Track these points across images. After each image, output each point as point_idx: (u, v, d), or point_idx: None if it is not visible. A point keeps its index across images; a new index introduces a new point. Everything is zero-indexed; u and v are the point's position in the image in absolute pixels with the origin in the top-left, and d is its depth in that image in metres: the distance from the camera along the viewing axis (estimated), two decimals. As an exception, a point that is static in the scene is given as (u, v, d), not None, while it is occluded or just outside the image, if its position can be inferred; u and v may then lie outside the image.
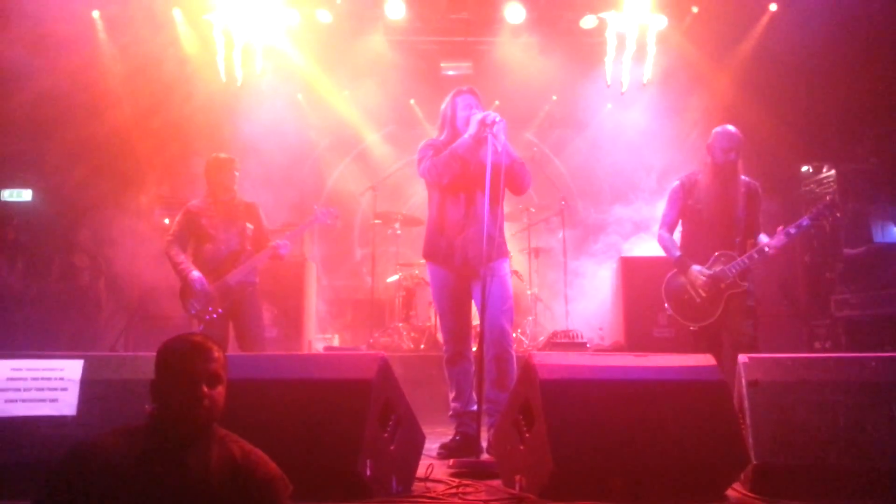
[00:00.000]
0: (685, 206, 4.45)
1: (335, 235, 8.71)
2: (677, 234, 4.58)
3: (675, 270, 4.43)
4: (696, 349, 4.14)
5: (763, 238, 4.35)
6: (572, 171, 8.60)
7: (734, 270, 4.20)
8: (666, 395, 2.81)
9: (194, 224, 4.82)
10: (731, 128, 4.37)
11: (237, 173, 4.89)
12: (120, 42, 6.96)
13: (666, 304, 4.43)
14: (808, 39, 6.64)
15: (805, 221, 4.19)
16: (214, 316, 4.65)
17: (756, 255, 4.22)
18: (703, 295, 4.25)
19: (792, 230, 4.19)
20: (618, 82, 7.44)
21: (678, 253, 4.42)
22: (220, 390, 1.90)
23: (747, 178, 4.43)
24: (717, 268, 4.25)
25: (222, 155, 4.92)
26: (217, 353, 1.92)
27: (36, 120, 6.34)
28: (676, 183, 4.53)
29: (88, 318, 6.79)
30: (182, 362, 1.87)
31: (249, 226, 4.87)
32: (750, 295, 4.24)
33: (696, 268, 4.29)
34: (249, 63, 7.26)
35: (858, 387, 2.85)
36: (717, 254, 4.29)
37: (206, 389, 1.85)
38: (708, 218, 4.33)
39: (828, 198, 4.23)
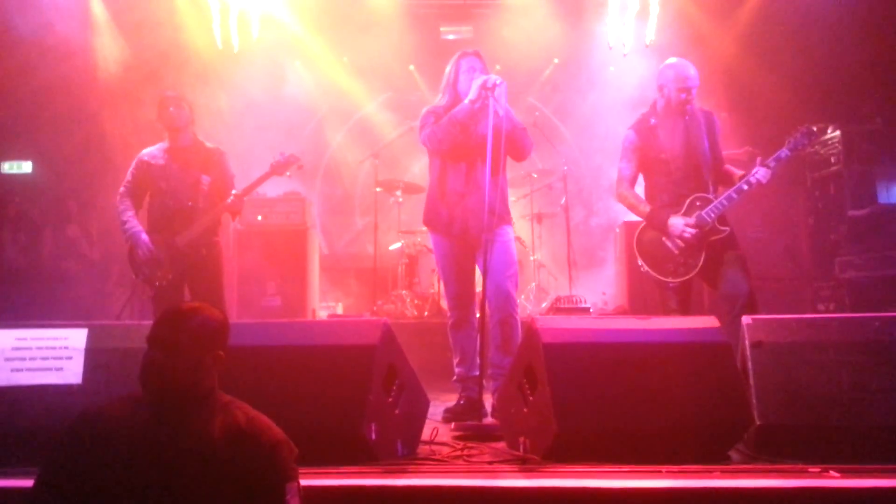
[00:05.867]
0: (645, 158, 4.06)
1: (336, 204, 8.67)
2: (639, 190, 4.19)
3: (645, 224, 4.06)
4: (672, 305, 3.95)
5: (732, 170, 4.01)
6: (575, 135, 8.51)
7: (713, 215, 3.85)
8: (669, 357, 2.82)
9: (147, 175, 4.35)
10: (684, 62, 4.01)
11: (173, 110, 4.32)
12: (113, 8, 6.84)
13: (640, 262, 4.03)
14: (811, -2, 6.51)
15: (784, 153, 3.86)
16: (164, 282, 4.25)
17: (735, 195, 3.85)
18: (683, 246, 3.88)
19: (771, 163, 3.84)
20: (620, 44, 7.33)
21: (647, 207, 4.02)
22: (215, 356, 1.91)
23: (702, 108, 4.09)
24: (694, 214, 3.89)
25: (168, 93, 4.41)
26: (207, 319, 1.92)
27: (28, 89, 6.24)
28: (630, 133, 4.11)
29: (93, 288, 6.79)
30: (170, 330, 1.87)
31: (206, 178, 4.34)
32: (734, 242, 3.91)
33: (676, 218, 3.90)
34: (246, 30, 7.15)
35: (862, 347, 2.85)
36: (691, 198, 3.93)
37: (192, 356, 1.85)
38: (676, 167, 3.98)
39: (803, 127, 3.91)
